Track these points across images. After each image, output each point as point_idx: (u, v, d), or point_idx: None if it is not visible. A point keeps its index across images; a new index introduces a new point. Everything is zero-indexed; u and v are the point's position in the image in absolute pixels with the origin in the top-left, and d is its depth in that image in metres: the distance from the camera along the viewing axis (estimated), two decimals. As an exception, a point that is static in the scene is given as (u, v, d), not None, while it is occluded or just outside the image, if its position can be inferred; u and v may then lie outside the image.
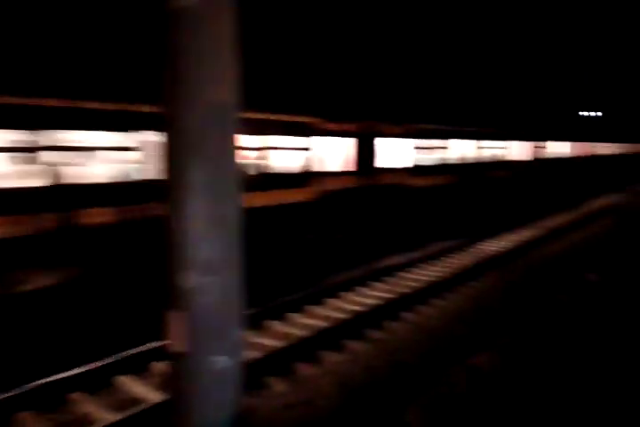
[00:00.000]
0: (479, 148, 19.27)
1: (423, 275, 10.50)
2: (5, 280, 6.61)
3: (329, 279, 9.83)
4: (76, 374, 5.70)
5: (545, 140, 24.68)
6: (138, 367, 6.19)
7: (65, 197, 7.07)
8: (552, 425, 3.78)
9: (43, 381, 5.49)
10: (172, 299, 2.11)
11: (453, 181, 17.39)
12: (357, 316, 7.69)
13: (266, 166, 10.44)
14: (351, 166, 12.76)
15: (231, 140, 2.20)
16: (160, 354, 6.17)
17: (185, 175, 2.05)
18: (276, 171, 10.75)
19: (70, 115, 7.15)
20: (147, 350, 6.35)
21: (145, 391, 5.63)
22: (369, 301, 8.77)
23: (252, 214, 8.29)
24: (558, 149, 26.59)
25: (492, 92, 28.30)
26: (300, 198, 11.26)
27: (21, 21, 9.48)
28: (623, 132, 45.43)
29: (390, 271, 10.39)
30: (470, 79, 26.88)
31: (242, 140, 9.20)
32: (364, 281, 9.77)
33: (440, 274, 10.39)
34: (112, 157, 7.62)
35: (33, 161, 6.72)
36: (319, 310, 8.37)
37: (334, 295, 9.00)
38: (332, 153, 12.19)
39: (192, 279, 2.05)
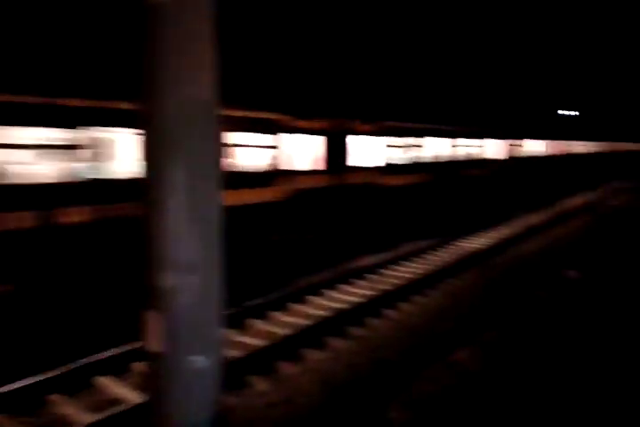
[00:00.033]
0: (454, 146, 19.07)
1: (393, 277, 10.28)
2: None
3: (296, 282, 9.55)
4: (55, 376, 5.61)
5: (521, 138, 24.79)
6: (118, 368, 6.12)
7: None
8: (532, 419, 3.83)
9: (21, 383, 5.39)
10: (150, 299, 2.08)
11: (428, 179, 17.10)
12: (319, 324, 7.37)
13: (231, 165, 10.10)
14: (321, 165, 12.45)
15: (212, 138, 2.18)
16: (140, 354, 6.10)
17: (164, 174, 2.02)
18: (242, 169, 10.39)
19: (12, 110, 6.73)
20: (127, 351, 6.28)
21: (125, 392, 5.58)
22: (336, 305, 8.51)
23: None
24: (535, 147, 26.81)
25: (470, 91, 28.35)
26: (268, 198, 10.89)
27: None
28: (598, 130, 46.32)
29: (360, 273, 10.19)
30: (447, 78, 26.86)
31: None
32: (332, 284, 9.49)
33: (410, 276, 10.20)
34: (60, 154, 7.18)
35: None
36: (282, 316, 8.08)
37: (300, 300, 8.72)
38: (302, 151, 11.87)
39: (170, 279, 2.03)
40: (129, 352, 6.24)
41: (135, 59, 2.19)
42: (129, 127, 7.96)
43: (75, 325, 6.84)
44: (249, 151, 10.61)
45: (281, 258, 10.48)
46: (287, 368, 6.34)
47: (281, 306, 8.36)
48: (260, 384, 5.91)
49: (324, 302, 8.72)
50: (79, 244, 7.32)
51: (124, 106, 7.92)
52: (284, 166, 11.27)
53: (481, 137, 21.01)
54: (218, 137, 2.22)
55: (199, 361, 2.12)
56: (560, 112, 43.93)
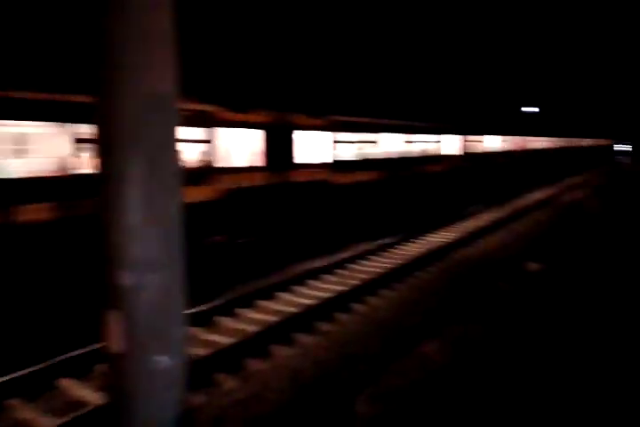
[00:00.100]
0: (411, 142, 18.39)
1: (335, 282, 9.70)
2: None
3: (224, 293, 8.71)
4: (14, 378, 5.43)
5: (481, 134, 24.73)
6: (81, 370, 5.97)
7: None
8: (498, 411, 3.91)
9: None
10: (111, 298, 2.02)
11: (381, 177, 16.24)
12: (240, 343, 6.57)
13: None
14: (262, 161, 11.39)
15: (171, 132, 2.13)
16: (103, 355, 5.96)
17: (121, 169, 1.96)
18: None
19: None
20: (89, 352, 6.12)
21: (87, 394, 5.45)
22: (272, 318, 7.71)
23: None
24: (495, 143, 26.97)
25: (431, 87, 28.21)
26: (199, 198, 9.68)
27: None
28: (558, 126, 47.70)
29: (302, 280, 9.57)
30: (406, 73, 26.48)
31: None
32: (269, 293, 8.79)
33: (357, 282, 9.50)
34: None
35: None
36: (204, 334, 7.18)
37: (228, 313, 7.95)
38: (239, 147, 10.76)
39: (130, 277, 1.97)
40: (90, 353, 6.09)
41: (91, 51, 2.11)
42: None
43: (31, 328, 6.63)
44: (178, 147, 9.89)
45: (212, 265, 9.43)
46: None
47: (208, 320, 7.56)
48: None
49: (254, 316, 7.95)
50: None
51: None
52: (219, 163, 10.20)
53: (439, 133, 20.55)
54: (177, 130, 2.17)
55: (162, 361, 2.08)
56: (523, 109, 44.94)
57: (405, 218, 16.08)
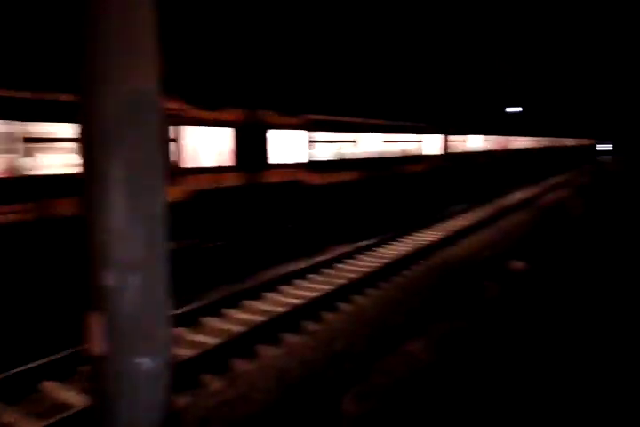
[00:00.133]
0: (391, 142, 17.96)
1: (307, 288, 9.35)
2: None
3: (190, 301, 8.19)
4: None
5: (464, 133, 24.56)
6: (64, 372, 5.89)
7: None
8: (484, 408, 3.94)
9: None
10: (93, 299, 1.99)
11: (360, 177, 15.81)
12: (199, 356, 6.10)
13: None
14: (232, 161, 10.86)
15: (155, 130, 2.10)
16: (86, 357, 5.89)
17: (103, 168, 1.93)
18: None
19: None
20: (72, 354, 6.05)
21: (71, 396, 5.38)
22: (237, 328, 7.32)
23: None
24: (478, 143, 26.89)
25: (412, 87, 27.96)
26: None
27: None
28: (542, 126, 48.31)
29: (273, 285, 9.22)
30: (391, 72, 26.07)
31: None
32: (236, 300, 8.38)
33: (330, 287, 9.16)
34: None
35: None
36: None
37: (191, 323, 7.50)
38: (208, 146, 10.23)
39: (113, 278, 1.95)
40: (71, 356, 6.01)
41: (73, 49, 2.08)
42: None
43: (14, 330, 6.53)
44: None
45: (177, 271, 8.96)
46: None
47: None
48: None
49: (219, 326, 7.48)
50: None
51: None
52: (185, 163, 9.69)
53: (420, 133, 20.15)
54: (161, 130, 2.14)
55: (146, 362, 2.05)
56: (508, 109, 45.41)
57: (386, 219, 15.89)
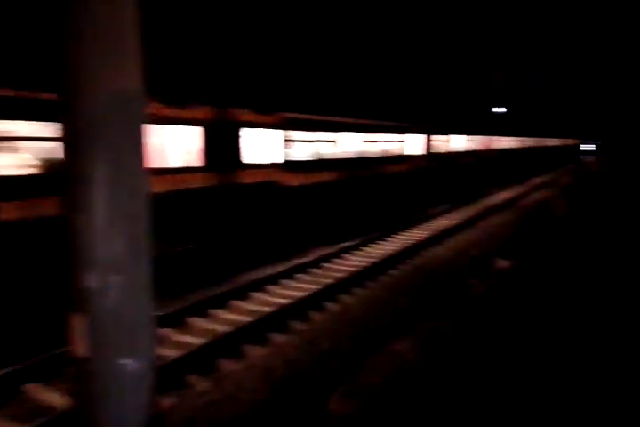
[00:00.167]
0: (373, 141, 17.59)
1: (279, 295, 9.01)
2: None
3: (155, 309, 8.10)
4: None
5: (447, 133, 24.19)
6: (47, 374, 5.82)
7: None
8: (470, 406, 3.97)
9: None
10: (75, 300, 1.97)
11: (339, 178, 15.31)
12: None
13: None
14: (202, 162, 10.25)
15: (137, 130, 2.08)
16: (69, 359, 5.82)
17: (85, 168, 1.91)
18: None
19: None
20: (55, 355, 5.98)
21: (54, 399, 5.32)
22: (199, 341, 6.88)
23: (50, 225, 6.90)
24: (461, 143, 26.28)
25: (395, 86, 27.50)
26: None
27: None
28: (526, 126, 48.80)
29: (244, 291, 8.82)
30: (371, 71, 25.44)
31: (40, 128, 7.09)
32: (203, 309, 8.01)
33: (303, 294, 8.80)
34: None
35: None
36: None
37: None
38: (175, 146, 9.57)
39: (95, 279, 1.93)
40: (57, 357, 5.95)
41: (53, 46, 2.06)
42: None
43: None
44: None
45: None
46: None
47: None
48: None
49: (183, 339, 7.08)
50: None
51: None
52: (150, 164, 9.05)
53: (403, 132, 19.73)
54: (144, 128, 2.13)
55: (130, 364, 2.04)
56: (494, 109, 45.80)
57: (369, 220, 15.67)
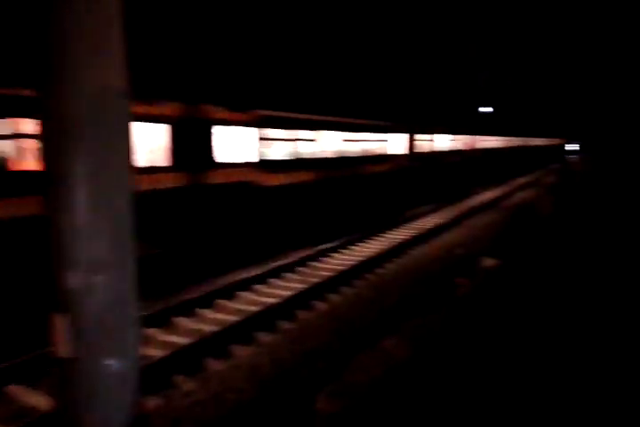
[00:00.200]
0: (354, 141, 17.03)
1: (251, 302, 8.51)
2: None
3: None
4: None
5: (432, 133, 23.85)
6: (30, 376, 5.74)
7: None
8: (457, 404, 3.99)
9: None
10: (59, 301, 1.94)
11: (318, 177, 14.70)
12: None
13: (19, 161, 7.05)
14: (169, 161, 9.62)
15: (122, 129, 2.06)
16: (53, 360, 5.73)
17: (67, 166, 1.88)
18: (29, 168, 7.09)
19: None
20: (37, 356, 5.90)
21: (38, 400, 5.25)
22: (160, 353, 6.29)
23: (32, 225, 6.60)
24: (446, 142, 26.02)
25: (379, 85, 26.92)
26: None
27: None
28: (513, 126, 49.26)
29: (210, 299, 8.34)
30: (355, 70, 24.66)
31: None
32: (166, 317, 7.51)
33: (274, 301, 8.32)
34: None
35: None
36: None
37: None
38: (141, 144, 8.99)
39: (78, 279, 1.90)
40: (39, 358, 5.87)
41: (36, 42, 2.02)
42: None
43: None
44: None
45: None
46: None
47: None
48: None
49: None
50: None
51: None
52: None
53: (386, 131, 19.22)
54: (129, 126, 2.10)
55: (113, 365, 2.01)
56: (481, 109, 46.13)
57: (349, 221, 15.13)
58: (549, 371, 4.46)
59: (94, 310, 1.94)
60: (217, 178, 10.61)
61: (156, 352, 6.32)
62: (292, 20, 20.41)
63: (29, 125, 6.97)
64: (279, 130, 12.95)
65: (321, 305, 8.39)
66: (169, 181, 9.49)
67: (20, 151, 6.95)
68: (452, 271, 9.89)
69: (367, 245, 12.96)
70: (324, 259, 11.34)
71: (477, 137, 31.82)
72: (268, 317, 7.53)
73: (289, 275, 10.05)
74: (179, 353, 6.13)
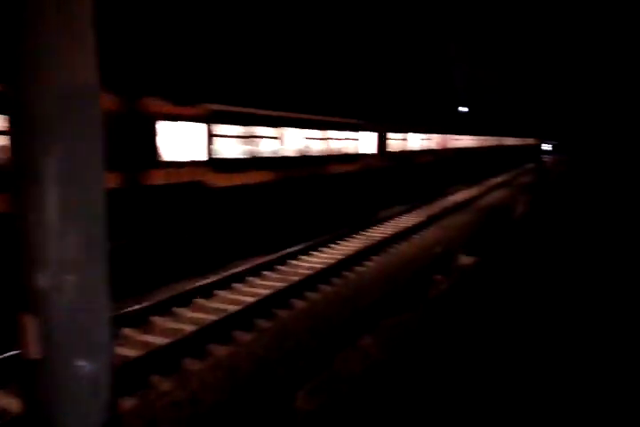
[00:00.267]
0: (322, 139, 16.16)
1: (190, 320, 7.63)
2: None
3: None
4: None
5: (405, 132, 23.32)
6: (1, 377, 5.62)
7: None
8: (435, 401, 4.04)
9: None
10: (27, 300, 1.91)
11: (279, 177, 13.71)
12: None
13: None
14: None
15: (93, 126, 2.03)
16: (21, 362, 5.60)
17: (36, 164, 1.84)
18: None
19: None
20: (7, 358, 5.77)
21: (10, 403, 5.14)
22: None
23: None
24: (421, 141, 25.65)
25: (353, 82, 26.21)
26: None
27: None
28: (489, 126, 49.96)
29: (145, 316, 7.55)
30: (327, 67, 23.44)
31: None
32: None
33: (212, 318, 7.49)
34: None
35: None
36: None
37: None
38: None
39: (48, 279, 1.87)
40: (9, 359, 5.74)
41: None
42: None
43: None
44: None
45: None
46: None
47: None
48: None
49: None
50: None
51: None
52: None
53: (356, 130, 18.47)
54: (101, 125, 2.07)
55: (85, 366, 1.99)
56: (460, 109, 46.61)
57: (311, 225, 14.20)
58: (523, 366, 4.54)
59: (65, 310, 1.91)
60: (160, 178, 9.65)
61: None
62: (253, 5, 19.08)
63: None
64: (234, 126, 11.93)
65: (244, 337, 7.08)
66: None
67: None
68: (431, 269, 9.99)
69: (331, 251, 12.16)
70: (281, 267, 10.49)
71: (453, 136, 31.92)
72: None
73: (238, 286, 9.21)
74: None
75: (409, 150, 23.89)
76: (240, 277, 9.48)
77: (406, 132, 23.43)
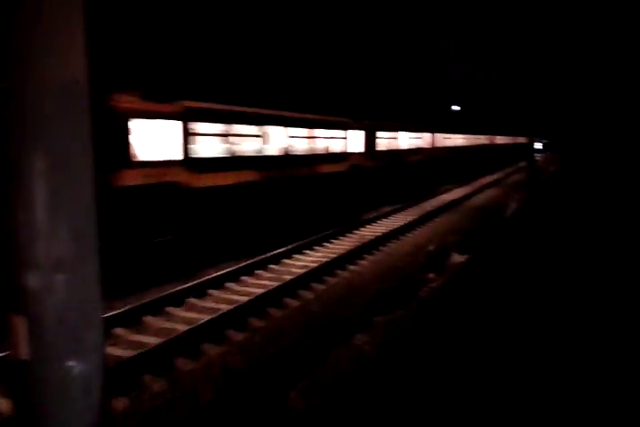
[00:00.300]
0: (308, 137, 15.74)
1: (156, 331, 7.27)
2: None
3: None
4: None
5: (395, 130, 22.92)
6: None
7: None
8: (428, 400, 4.04)
9: None
10: (16, 301, 1.88)
11: (262, 178, 13.21)
12: None
13: None
14: None
15: (83, 122, 2.01)
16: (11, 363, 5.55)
17: (24, 162, 1.82)
18: None
19: None
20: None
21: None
22: None
23: None
24: (413, 140, 25.26)
25: (344, 80, 25.75)
26: None
27: None
28: (482, 124, 50.14)
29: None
30: (317, 66, 23.25)
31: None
32: None
33: (184, 328, 7.12)
34: None
35: None
36: None
37: None
38: None
39: (38, 279, 1.85)
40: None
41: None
42: None
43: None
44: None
45: None
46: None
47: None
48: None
49: None
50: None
51: None
52: None
53: (345, 128, 18.03)
54: (89, 123, 2.05)
55: (76, 366, 1.96)
56: (454, 107, 46.72)
57: (303, 225, 13.86)
58: (516, 363, 4.56)
59: (55, 311, 1.89)
60: (132, 179, 9.18)
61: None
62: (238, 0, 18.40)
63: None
64: (212, 124, 11.39)
65: (213, 349, 6.75)
66: None
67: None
68: (424, 268, 10.01)
69: (315, 253, 11.86)
70: (260, 272, 10.18)
71: (446, 135, 31.84)
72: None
73: (215, 293, 8.94)
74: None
75: (399, 149, 23.49)
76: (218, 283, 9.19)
77: (396, 130, 23.06)
